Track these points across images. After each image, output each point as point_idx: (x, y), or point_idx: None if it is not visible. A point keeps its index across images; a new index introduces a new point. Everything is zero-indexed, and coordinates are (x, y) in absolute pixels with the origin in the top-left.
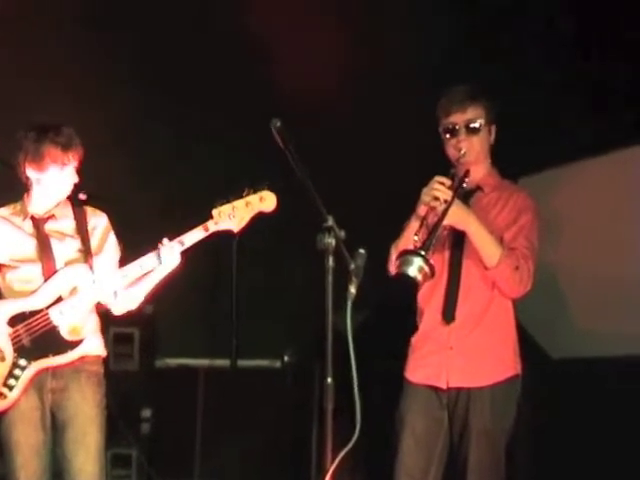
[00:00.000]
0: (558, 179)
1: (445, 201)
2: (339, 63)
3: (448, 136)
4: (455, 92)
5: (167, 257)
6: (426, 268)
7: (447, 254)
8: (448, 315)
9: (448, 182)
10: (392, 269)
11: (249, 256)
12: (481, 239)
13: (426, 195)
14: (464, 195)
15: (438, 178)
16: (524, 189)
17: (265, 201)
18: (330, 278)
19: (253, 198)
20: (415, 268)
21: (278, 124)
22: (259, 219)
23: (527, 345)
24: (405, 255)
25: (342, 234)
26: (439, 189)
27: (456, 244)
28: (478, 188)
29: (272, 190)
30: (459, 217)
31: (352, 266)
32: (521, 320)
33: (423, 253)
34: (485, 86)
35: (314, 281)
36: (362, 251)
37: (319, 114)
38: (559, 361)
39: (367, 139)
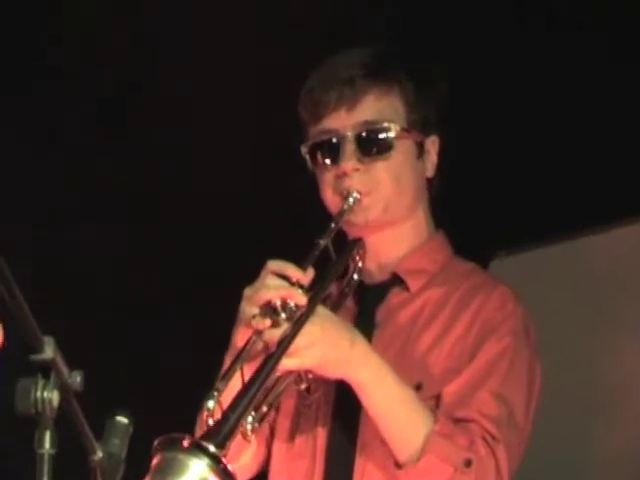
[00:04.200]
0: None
1: (288, 317)
2: None
3: (321, 161)
4: (338, 64)
5: None
6: None
7: (321, 432)
8: None
9: (296, 272)
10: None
11: None
12: (384, 402)
13: (249, 304)
14: (360, 298)
15: (273, 264)
16: (501, 282)
17: None
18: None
19: None
20: None
21: None
22: None
23: None
24: (169, 450)
25: (77, 380)
26: (274, 288)
27: (341, 408)
28: (394, 280)
29: None
30: (325, 352)
31: (97, 455)
32: None
33: (212, 450)
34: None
35: None
36: (122, 419)
37: None
38: None
39: None
